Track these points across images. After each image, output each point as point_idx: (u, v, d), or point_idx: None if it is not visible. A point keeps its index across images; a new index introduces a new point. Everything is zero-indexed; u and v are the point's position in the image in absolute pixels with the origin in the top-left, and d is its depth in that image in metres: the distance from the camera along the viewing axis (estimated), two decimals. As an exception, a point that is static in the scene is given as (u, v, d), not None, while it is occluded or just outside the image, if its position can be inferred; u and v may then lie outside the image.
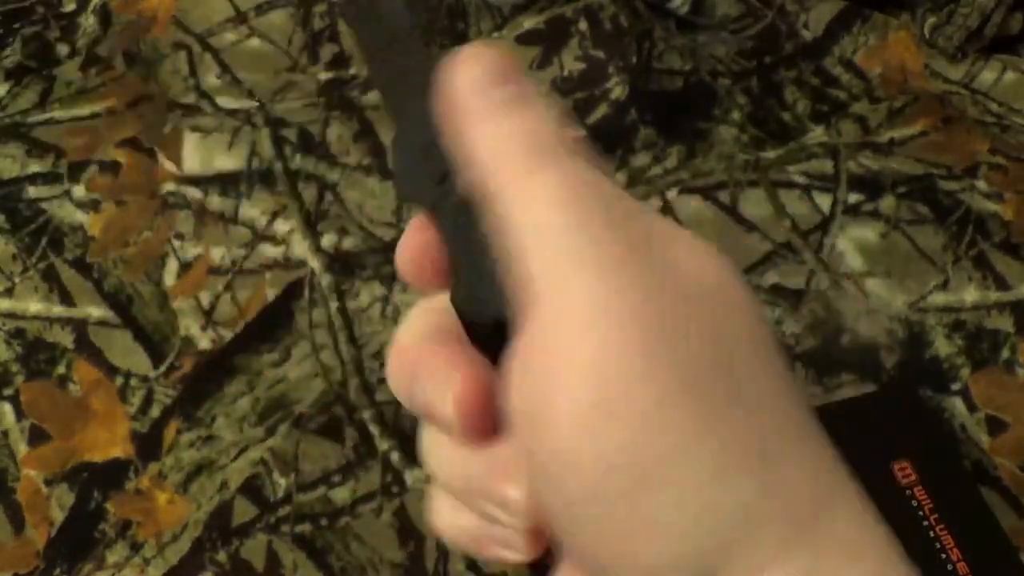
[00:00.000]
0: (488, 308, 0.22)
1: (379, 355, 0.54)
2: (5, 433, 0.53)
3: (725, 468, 0.18)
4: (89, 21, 0.67)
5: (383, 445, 0.52)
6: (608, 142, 0.61)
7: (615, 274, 0.19)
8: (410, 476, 0.51)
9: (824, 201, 0.59)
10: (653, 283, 0.19)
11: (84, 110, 0.63)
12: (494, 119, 0.20)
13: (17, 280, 0.57)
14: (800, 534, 0.19)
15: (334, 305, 0.56)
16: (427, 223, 0.23)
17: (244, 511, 0.50)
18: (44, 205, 0.60)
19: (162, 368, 0.54)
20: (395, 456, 0.51)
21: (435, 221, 0.23)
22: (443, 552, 0.49)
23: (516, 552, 0.23)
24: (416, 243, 0.24)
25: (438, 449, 0.24)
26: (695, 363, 0.19)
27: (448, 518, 0.24)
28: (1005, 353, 0.53)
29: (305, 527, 0.50)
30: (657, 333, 0.19)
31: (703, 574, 0.19)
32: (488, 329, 0.22)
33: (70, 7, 0.68)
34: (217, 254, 0.58)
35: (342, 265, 0.57)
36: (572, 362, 0.19)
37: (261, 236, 0.58)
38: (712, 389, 0.19)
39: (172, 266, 0.57)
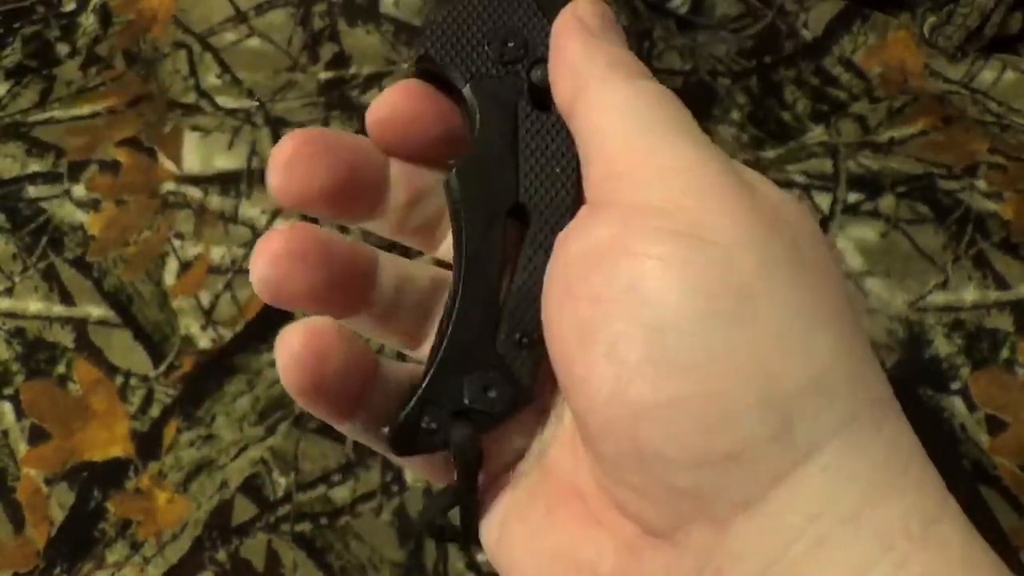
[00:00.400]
0: (508, 189, 0.23)
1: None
2: (5, 432, 0.53)
3: (813, 316, 0.18)
4: (89, 21, 0.67)
5: (383, 444, 0.52)
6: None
7: (705, 147, 0.20)
8: (410, 475, 0.51)
9: (824, 201, 0.59)
10: (730, 166, 0.20)
11: (84, 110, 0.63)
12: (589, 39, 0.22)
13: (17, 280, 0.57)
14: (864, 412, 0.18)
15: (334, 304, 0.56)
16: (426, 93, 0.24)
17: (244, 510, 0.50)
18: (44, 204, 0.60)
19: (162, 367, 0.54)
20: (395, 455, 0.51)
21: (472, 94, 0.24)
22: (443, 551, 0.49)
23: None
24: (404, 108, 0.24)
25: None
26: (774, 222, 0.19)
27: None
28: (1005, 353, 0.53)
29: (305, 526, 0.50)
30: (737, 193, 0.19)
31: (777, 426, 0.18)
32: (494, 209, 0.23)
33: (70, 7, 0.68)
34: (217, 253, 0.58)
35: (342, 264, 0.57)
36: (660, 196, 0.19)
37: (261, 235, 0.58)
38: (795, 253, 0.19)
39: (172, 265, 0.57)
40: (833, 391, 0.18)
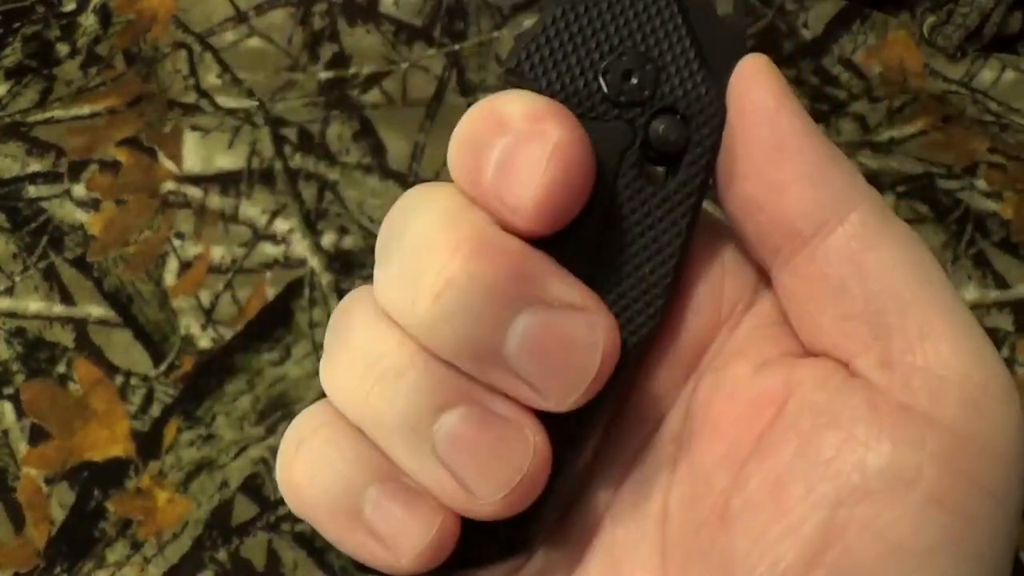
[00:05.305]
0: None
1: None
2: (5, 432, 0.53)
3: None
4: (89, 21, 0.67)
5: (383, 444, 0.52)
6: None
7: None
8: (410, 475, 0.51)
9: (824, 200, 0.59)
10: None
11: (84, 110, 0.63)
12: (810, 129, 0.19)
13: (17, 279, 0.57)
14: None
15: (334, 304, 0.56)
16: None
17: (244, 510, 0.50)
18: (44, 204, 0.60)
19: (162, 367, 0.54)
20: (395, 455, 0.51)
21: None
22: (443, 551, 0.49)
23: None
24: None
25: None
26: None
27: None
28: (1004, 352, 0.53)
29: (305, 526, 0.50)
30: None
31: None
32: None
33: (70, 7, 0.68)
34: (217, 253, 0.58)
35: (342, 264, 0.57)
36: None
37: (261, 235, 0.58)
38: None
39: (172, 265, 0.57)
40: None
